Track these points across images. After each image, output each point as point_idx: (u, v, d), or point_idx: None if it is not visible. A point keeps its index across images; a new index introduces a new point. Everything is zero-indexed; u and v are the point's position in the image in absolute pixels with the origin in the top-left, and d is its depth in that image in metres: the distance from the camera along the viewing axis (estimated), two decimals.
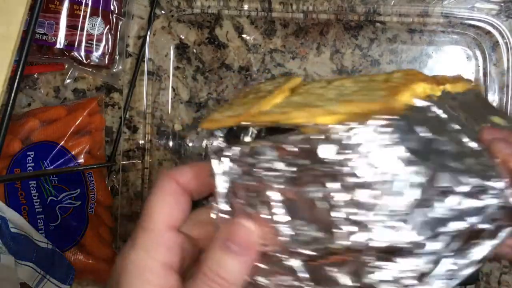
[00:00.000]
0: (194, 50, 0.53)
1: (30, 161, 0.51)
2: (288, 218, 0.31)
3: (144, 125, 0.52)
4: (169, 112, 0.53)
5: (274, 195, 0.31)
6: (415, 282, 0.29)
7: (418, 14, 0.49)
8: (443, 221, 0.28)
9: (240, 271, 0.32)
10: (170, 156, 0.53)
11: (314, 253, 0.30)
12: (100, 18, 0.52)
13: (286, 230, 0.31)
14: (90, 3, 0.51)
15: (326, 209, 0.29)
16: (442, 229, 0.28)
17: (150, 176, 0.53)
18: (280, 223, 0.31)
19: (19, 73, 0.39)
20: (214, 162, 0.33)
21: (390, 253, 0.29)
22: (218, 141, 0.34)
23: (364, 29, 0.52)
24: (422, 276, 0.29)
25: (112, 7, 0.52)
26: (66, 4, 0.51)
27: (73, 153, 0.52)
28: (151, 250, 0.32)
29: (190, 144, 0.48)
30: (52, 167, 0.51)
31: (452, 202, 0.27)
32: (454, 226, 0.28)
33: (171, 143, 0.53)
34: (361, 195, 0.28)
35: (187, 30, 0.53)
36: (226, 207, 0.33)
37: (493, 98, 0.50)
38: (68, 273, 0.50)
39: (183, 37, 0.53)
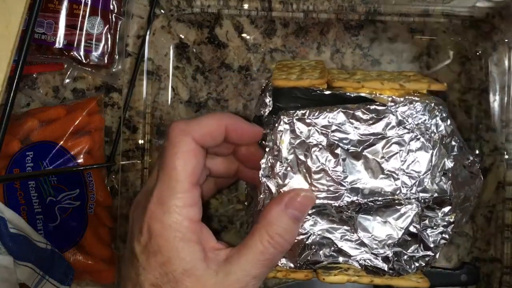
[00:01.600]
0: (194, 50, 0.53)
1: (29, 161, 0.51)
2: (346, 174, 0.38)
3: (144, 125, 0.52)
4: (169, 112, 0.53)
5: (337, 154, 0.37)
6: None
7: (419, 14, 0.49)
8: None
9: (297, 231, 0.37)
10: None
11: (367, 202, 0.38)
12: (99, 17, 0.52)
13: (342, 184, 0.38)
14: (89, 3, 0.51)
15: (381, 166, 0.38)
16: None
17: None
18: (338, 179, 0.38)
19: (18, 72, 0.39)
20: (281, 124, 0.38)
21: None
22: (269, 108, 0.39)
23: (364, 29, 0.52)
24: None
25: (111, 7, 0.52)
26: (65, 4, 0.50)
27: (72, 153, 0.51)
28: (184, 212, 0.34)
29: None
30: (51, 167, 0.51)
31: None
32: None
33: None
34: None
35: (186, 29, 0.53)
36: (284, 168, 0.38)
37: (494, 98, 0.50)
38: (67, 273, 0.50)
39: (182, 37, 0.53)
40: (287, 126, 0.38)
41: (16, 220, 0.45)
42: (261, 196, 0.38)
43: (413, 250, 0.39)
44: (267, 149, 0.38)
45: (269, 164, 0.38)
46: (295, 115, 0.38)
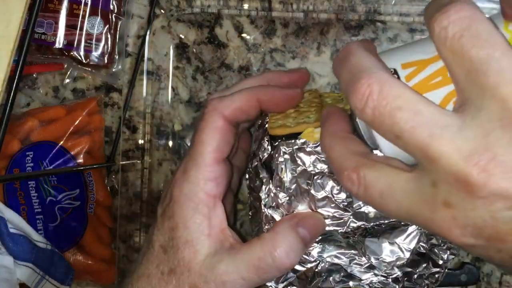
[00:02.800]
0: (194, 50, 0.53)
1: (29, 161, 0.51)
2: (350, 199, 0.37)
3: (144, 125, 0.52)
4: (169, 112, 0.53)
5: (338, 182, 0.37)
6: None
7: (419, 14, 0.49)
8: None
9: (300, 254, 0.36)
10: (170, 156, 0.53)
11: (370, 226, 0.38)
12: (99, 17, 0.52)
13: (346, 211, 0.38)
14: (89, 3, 0.51)
15: None
16: None
17: (150, 176, 0.53)
18: (342, 205, 0.37)
19: (18, 72, 0.39)
20: (281, 154, 0.38)
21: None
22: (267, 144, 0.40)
23: (364, 29, 0.52)
24: None
25: (111, 7, 0.52)
26: (65, 4, 0.50)
27: (72, 153, 0.51)
28: (202, 184, 0.36)
29: (190, 144, 0.48)
30: (51, 167, 0.51)
31: None
32: None
33: (170, 143, 0.53)
34: None
35: (186, 29, 0.53)
36: (286, 195, 0.38)
37: None
38: (67, 273, 0.50)
39: (182, 37, 0.53)
40: (287, 156, 0.38)
41: (16, 220, 0.45)
42: (266, 227, 0.38)
43: (422, 269, 0.39)
44: (264, 180, 0.38)
45: (272, 195, 0.38)
46: (294, 144, 0.38)
